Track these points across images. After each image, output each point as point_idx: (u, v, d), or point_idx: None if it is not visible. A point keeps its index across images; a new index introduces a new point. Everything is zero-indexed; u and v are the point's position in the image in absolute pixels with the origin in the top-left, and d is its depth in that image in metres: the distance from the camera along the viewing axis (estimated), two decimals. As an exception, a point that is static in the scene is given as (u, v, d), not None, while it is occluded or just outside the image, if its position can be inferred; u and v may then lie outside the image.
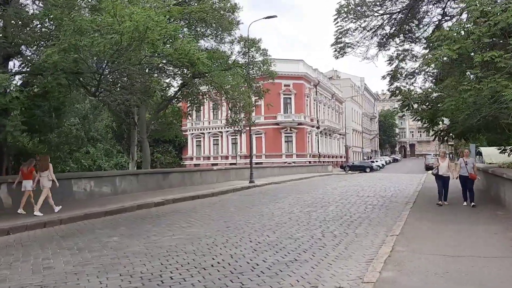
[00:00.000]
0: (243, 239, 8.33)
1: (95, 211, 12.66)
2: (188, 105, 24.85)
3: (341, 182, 27.00)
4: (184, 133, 58.24)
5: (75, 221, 11.37)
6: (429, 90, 13.03)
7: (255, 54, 22.56)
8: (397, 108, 15.37)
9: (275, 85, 50.78)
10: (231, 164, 49.06)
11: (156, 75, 12.49)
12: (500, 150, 17.25)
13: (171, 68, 14.06)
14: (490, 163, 36.23)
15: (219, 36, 20.48)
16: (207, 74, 18.24)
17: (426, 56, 11.44)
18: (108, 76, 11.92)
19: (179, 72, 15.63)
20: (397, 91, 14.84)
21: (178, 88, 21.54)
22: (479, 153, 46.78)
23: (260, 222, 10.44)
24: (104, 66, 10.64)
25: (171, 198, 16.35)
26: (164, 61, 11.33)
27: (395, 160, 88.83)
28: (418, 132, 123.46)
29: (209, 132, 55.70)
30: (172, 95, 22.06)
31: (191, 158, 58.05)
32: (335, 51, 14.97)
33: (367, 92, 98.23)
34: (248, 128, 26.91)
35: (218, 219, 11.10)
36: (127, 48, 10.95)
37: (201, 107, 53.98)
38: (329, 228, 9.65)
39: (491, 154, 42.98)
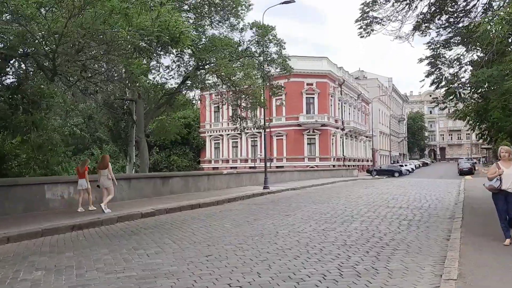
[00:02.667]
0: (218, 281, 5.60)
1: (60, 225, 10.24)
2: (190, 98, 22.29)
3: (368, 188, 23.92)
4: (202, 135, 56.06)
5: (23, 240, 8.91)
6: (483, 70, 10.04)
7: (268, 43, 19.81)
8: (437, 99, 12.38)
9: (297, 84, 48.16)
10: (250, 167, 46.53)
11: (136, 57, 10.08)
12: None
13: (159, 48, 11.64)
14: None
15: (227, 21, 17.84)
16: (212, 64, 15.72)
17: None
18: (73, 57, 9.49)
19: (162, 52, 13.15)
20: (440, 77, 11.91)
21: (181, 81, 19.04)
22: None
23: (255, 248, 7.68)
24: (57, 40, 8.23)
25: (164, 208, 13.84)
26: (143, 39, 8.84)
27: (425, 164, 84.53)
28: (449, 135, 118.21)
29: (228, 134, 53.20)
30: (175, 88, 19.53)
31: (209, 161, 55.70)
32: (360, 27, 12.08)
33: (395, 93, 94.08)
34: (262, 129, 23.95)
35: (202, 241, 8.41)
36: (92, 20, 8.46)
37: (219, 108, 52.06)
38: (351, 259, 6.82)
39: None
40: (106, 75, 11.79)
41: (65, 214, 11.84)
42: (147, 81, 20.52)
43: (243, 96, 18.74)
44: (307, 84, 48.58)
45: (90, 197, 12.89)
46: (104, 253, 7.43)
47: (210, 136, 55.54)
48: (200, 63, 17.67)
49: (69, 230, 10.19)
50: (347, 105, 57.65)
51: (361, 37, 12.47)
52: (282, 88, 22.00)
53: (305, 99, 48.86)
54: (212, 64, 16.22)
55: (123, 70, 11.85)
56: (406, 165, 59.36)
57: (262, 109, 23.95)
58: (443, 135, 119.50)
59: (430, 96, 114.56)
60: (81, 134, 29.19)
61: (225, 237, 8.80)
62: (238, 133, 51.48)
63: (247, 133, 49.02)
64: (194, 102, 22.17)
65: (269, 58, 20.24)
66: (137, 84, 11.98)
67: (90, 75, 11.12)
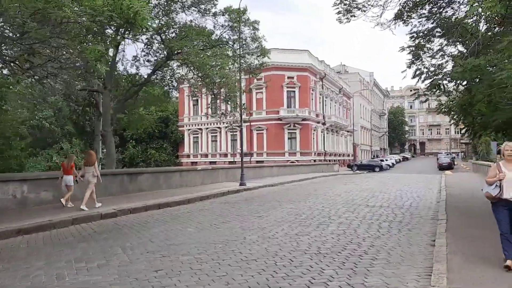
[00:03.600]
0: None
1: (4, 230, 9.11)
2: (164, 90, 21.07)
3: (348, 185, 23.16)
4: (180, 128, 54.72)
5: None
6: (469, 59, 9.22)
7: (243, 27, 18.70)
8: (418, 91, 11.53)
9: (278, 77, 47.21)
10: (230, 162, 45.52)
11: (90, 42, 8.96)
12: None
13: (116, 32, 10.49)
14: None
15: (200, 5, 16.64)
16: (180, 52, 14.62)
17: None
18: (16, 40, 8.31)
19: (119, 36, 12.01)
20: (421, 68, 11.09)
21: (151, 71, 17.84)
22: (500, 152, 42.76)
23: (216, 259, 6.71)
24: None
25: (128, 208, 12.78)
26: (94, 20, 7.73)
27: (405, 159, 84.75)
28: (429, 129, 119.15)
29: (207, 128, 52.01)
30: (144, 79, 18.29)
31: (188, 156, 54.45)
32: (339, 13, 11.15)
33: (376, 88, 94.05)
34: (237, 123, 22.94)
35: (157, 250, 7.38)
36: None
37: (198, 101, 50.80)
38: (324, 272, 5.92)
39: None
40: (59, 62, 10.57)
41: (15, 216, 10.67)
42: (116, 72, 19.34)
43: (216, 87, 17.64)
44: (288, 78, 47.68)
45: (70, 194, 12.54)
46: (37, 266, 6.36)
47: (189, 130, 54.25)
48: (170, 52, 16.52)
49: (14, 235, 9.10)
50: (328, 99, 56.99)
51: (340, 22, 11.53)
52: (262, 66, 20.85)
53: (285, 92, 47.96)
54: (179, 50, 15.09)
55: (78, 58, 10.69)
56: (386, 160, 59.13)
57: (240, 101, 22.86)
58: (423, 129, 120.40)
59: (411, 91, 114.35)
60: (50, 128, 27.69)
61: (184, 244, 7.80)
62: (217, 127, 50.47)
63: (227, 127, 47.99)
64: (169, 94, 20.81)
65: (243, 44, 19.14)
66: (94, 72, 10.81)
67: (41, 62, 9.91)
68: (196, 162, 51.78)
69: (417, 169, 53.74)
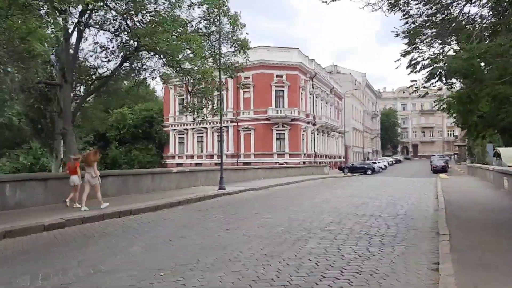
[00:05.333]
0: None
1: None
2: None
3: (337, 190, 21.49)
4: (165, 129, 52.77)
5: None
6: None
7: (222, 18, 16.92)
8: (416, 82, 9.86)
9: (266, 75, 45.51)
10: (216, 164, 43.67)
11: (15, 15, 7.28)
12: None
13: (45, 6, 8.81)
14: (510, 166, 30.88)
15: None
16: (150, 40, 12.87)
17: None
18: None
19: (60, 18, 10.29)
20: (417, 57, 9.45)
21: (118, 63, 16.02)
22: (496, 155, 41.34)
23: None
24: None
25: (80, 217, 11.02)
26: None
27: (397, 161, 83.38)
28: (422, 131, 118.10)
29: (193, 128, 50.05)
30: (111, 71, 16.42)
31: (173, 157, 52.48)
32: (323, -11, 9.52)
33: (368, 89, 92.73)
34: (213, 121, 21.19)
35: (77, 281, 5.62)
36: None
37: (184, 100, 48.91)
38: (289, 322, 4.20)
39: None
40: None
41: None
42: (79, 64, 17.49)
43: (191, 78, 15.85)
44: (277, 76, 45.94)
45: (77, 194, 12.47)
46: None
47: (174, 130, 52.23)
48: (139, 42, 14.74)
49: None
50: (319, 99, 55.36)
51: (324, 2, 9.86)
52: (242, 65, 19.10)
53: (274, 92, 46.19)
54: (149, 40, 13.30)
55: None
56: (379, 162, 57.68)
57: (221, 98, 21.10)
58: (415, 132, 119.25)
59: (403, 92, 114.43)
60: (20, 126, 25.68)
61: (116, 272, 6.01)
62: (203, 127, 48.59)
63: (213, 127, 46.22)
64: (138, 90, 18.98)
65: (224, 37, 17.39)
66: (35, 57, 9.02)
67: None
68: (182, 163, 49.91)
69: (411, 172, 52.35)
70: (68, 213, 11.36)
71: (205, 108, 19.82)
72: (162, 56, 15.08)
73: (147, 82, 22.74)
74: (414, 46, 11.57)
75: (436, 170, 49.65)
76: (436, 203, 14.87)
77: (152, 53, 15.30)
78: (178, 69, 15.62)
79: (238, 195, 18.67)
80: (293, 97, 46.66)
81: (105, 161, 44.65)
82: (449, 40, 11.55)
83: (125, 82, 17.76)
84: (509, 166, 29.37)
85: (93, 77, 16.81)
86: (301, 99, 48.66)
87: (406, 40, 11.64)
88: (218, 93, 20.00)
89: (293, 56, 46.70)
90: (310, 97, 51.60)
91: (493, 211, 11.94)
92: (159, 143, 52.96)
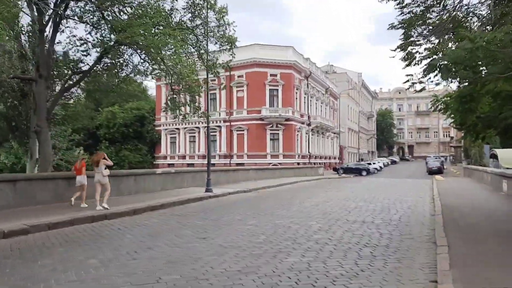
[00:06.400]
0: None
1: None
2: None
3: (329, 192, 20.61)
4: (157, 128, 51.70)
5: None
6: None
7: (206, 10, 15.97)
8: (412, 76, 8.98)
9: (260, 74, 44.59)
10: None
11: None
12: None
13: None
14: (508, 168, 30.12)
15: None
16: (126, 31, 11.95)
17: None
18: None
19: None
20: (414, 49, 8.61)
21: (97, 57, 15.06)
22: (493, 156, 40.60)
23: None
24: None
25: (47, 222, 10.12)
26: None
27: (393, 162, 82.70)
28: (417, 132, 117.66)
29: (185, 128, 49.08)
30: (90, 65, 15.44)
31: (165, 157, 51.47)
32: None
33: (364, 89, 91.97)
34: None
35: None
36: None
37: (176, 99, 47.97)
38: None
39: (510, 157, 36.89)
40: None
41: None
42: (60, 56, 16.57)
43: (173, 74, 14.91)
44: (271, 75, 45.03)
45: (84, 194, 12.80)
46: None
47: (166, 129, 51.13)
48: (120, 36, 13.79)
49: None
50: (314, 99, 54.50)
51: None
52: (229, 62, 18.19)
53: (268, 91, 45.26)
54: (125, 34, 12.36)
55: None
56: (374, 163, 56.90)
57: (207, 97, 20.23)
58: (411, 132, 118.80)
59: (400, 93, 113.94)
60: (1, 124, 24.61)
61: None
62: (195, 127, 47.67)
63: (206, 126, 45.19)
64: (118, 87, 17.98)
65: (210, 33, 16.47)
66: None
67: None
68: (174, 164, 48.96)
69: (406, 173, 51.62)
70: (39, 216, 10.49)
71: (188, 107, 18.95)
72: (139, 51, 14.15)
73: (134, 79, 21.84)
74: (410, 39, 10.77)
75: (431, 172, 48.96)
76: (433, 207, 14.03)
77: (131, 48, 14.35)
78: (161, 65, 14.69)
79: (225, 197, 17.80)
80: (287, 97, 45.77)
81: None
82: (445, 36, 10.73)
83: (105, 78, 16.78)
84: (507, 168, 28.62)
85: (70, 72, 15.82)
86: (296, 98, 47.78)
87: (403, 37, 10.85)
88: (203, 90, 19.01)
89: (287, 55, 45.82)
90: (305, 97, 50.73)
91: (495, 217, 11.09)
92: (150, 143, 51.93)
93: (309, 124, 51.16)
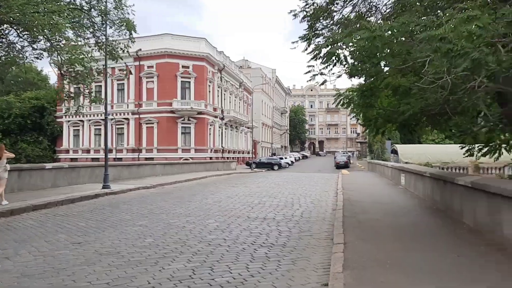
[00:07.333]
0: None
1: None
2: None
3: (236, 187, 20.09)
4: (59, 120, 47.71)
5: None
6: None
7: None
8: (314, 68, 8.52)
9: (171, 65, 43.01)
10: (114, 159, 40.42)
11: None
12: (465, 150, 11.28)
13: None
14: (406, 162, 32.01)
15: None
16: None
17: None
18: None
19: None
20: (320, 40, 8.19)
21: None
22: (394, 151, 43.11)
23: None
24: None
25: None
26: None
27: (304, 157, 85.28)
28: (327, 128, 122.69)
29: (90, 120, 45.89)
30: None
31: (67, 151, 47.75)
32: None
33: (278, 85, 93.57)
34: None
35: None
36: None
37: (81, 88, 44.66)
38: None
39: (408, 152, 39.38)
40: None
41: None
42: None
43: (60, 58, 13.29)
44: (183, 67, 43.60)
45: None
46: None
47: (69, 121, 47.31)
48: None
49: None
50: (227, 92, 53.96)
51: None
52: (126, 49, 16.85)
53: (180, 83, 43.79)
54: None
55: None
56: (286, 158, 57.90)
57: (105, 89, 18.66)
58: (322, 128, 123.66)
59: (312, 90, 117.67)
60: None
61: None
62: (101, 119, 44.68)
63: (113, 119, 42.70)
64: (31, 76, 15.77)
65: (105, 15, 14.97)
66: None
67: None
68: (77, 158, 45.68)
69: (316, 167, 53.11)
70: None
71: (83, 97, 17.32)
72: (16, 28, 12.36)
73: (24, 63, 19.46)
74: (315, 31, 10.41)
75: (339, 166, 51.04)
76: (336, 201, 14.01)
77: (9, 25, 12.48)
78: (46, 47, 12.98)
79: (124, 194, 16.45)
80: (200, 89, 44.68)
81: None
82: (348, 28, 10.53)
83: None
84: (406, 163, 30.35)
85: None
86: (209, 91, 46.85)
87: (308, 28, 10.45)
88: (101, 78, 17.49)
89: (200, 46, 44.67)
90: (218, 90, 49.97)
91: (394, 212, 11.18)
92: (51, 136, 47.85)
93: (222, 118, 50.54)
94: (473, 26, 5.20)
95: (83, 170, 19.73)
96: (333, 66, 7.83)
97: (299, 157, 75.97)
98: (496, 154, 10.31)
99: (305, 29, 10.58)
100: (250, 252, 6.91)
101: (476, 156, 11.27)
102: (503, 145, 10.27)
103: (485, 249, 6.52)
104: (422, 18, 7.00)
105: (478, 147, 11.01)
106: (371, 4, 11.00)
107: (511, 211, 6.30)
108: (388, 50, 7.70)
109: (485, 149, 10.48)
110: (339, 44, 7.53)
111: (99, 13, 14.90)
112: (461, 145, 11.61)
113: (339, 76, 8.91)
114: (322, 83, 9.35)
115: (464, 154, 11.45)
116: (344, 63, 7.72)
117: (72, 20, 12.50)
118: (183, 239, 7.78)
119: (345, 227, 8.68)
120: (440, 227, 8.71)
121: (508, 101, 8.91)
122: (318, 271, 5.93)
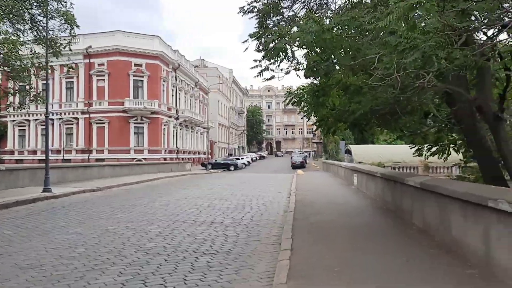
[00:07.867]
0: None
1: None
2: None
3: (188, 189, 19.43)
4: (3, 119, 45.03)
5: None
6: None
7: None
8: (260, 63, 8.10)
9: (123, 63, 41.61)
10: (63, 160, 38.58)
11: None
12: (415, 150, 11.25)
13: None
14: (359, 162, 32.43)
15: None
16: None
17: None
18: None
19: None
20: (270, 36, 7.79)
21: None
22: (348, 152, 43.72)
23: None
24: None
25: None
26: None
27: (261, 157, 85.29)
28: (284, 129, 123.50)
29: (36, 120, 43.61)
30: None
31: (12, 152, 45.19)
32: None
33: (235, 85, 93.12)
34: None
35: None
36: None
37: (26, 86, 42.35)
38: None
39: (361, 152, 39.99)
40: None
41: None
42: None
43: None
44: (135, 65, 42.25)
45: None
46: None
47: (14, 121, 44.73)
48: None
49: None
50: (182, 92, 52.89)
51: None
52: (70, 44, 15.92)
53: (132, 81, 42.40)
54: None
55: None
56: (242, 158, 57.56)
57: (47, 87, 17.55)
58: (279, 129, 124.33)
59: (269, 91, 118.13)
60: None
61: None
62: (49, 119, 42.60)
63: (61, 118, 40.78)
64: None
65: (43, 6, 13.97)
66: None
67: None
68: (22, 159, 43.29)
69: (273, 168, 53.05)
70: None
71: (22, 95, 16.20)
72: None
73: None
74: (264, 28, 9.98)
75: (295, 166, 51.23)
76: (288, 203, 13.69)
77: None
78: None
79: (66, 198, 15.43)
80: (153, 89, 43.47)
81: None
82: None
83: None
84: (359, 163, 30.70)
85: None
86: (163, 91, 45.69)
87: (257, 26, 10.04)
88: (42, 75, 16.45)
89: (154, 44, 43.45)
90: (172, 90, 48.85)
91: (346, 213, 10.95)
92: (-5, 136, 45.17)
93: (177, 118, 49.45)
94: (416, 14, 4.91)
95: (23, 172, 18.44)
96: (280, 62, 7.45)
97: (256, 158, 75.85)
98: (445, 155, 10.31)
99: (255, 27, 10.18)
100: (191, 261, 6.38)
101: (425, 156, 11.28)
102: (451, 145, 10.28)
103: (435, 251, 6.31)
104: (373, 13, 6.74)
105: (427, 147, 11.01)
106: (322, 2, 10.76)
107: (459, 213, 6.13)
108: (340, 45, 7.39)
109: (434, 149, 10.45)
110: (285, 38, 7.13)
111: (36, 2, 13.86)
112: (411, 145, 11.59)
113: (287, 73, 8.57)
114: (270, 79, 8.95)
115: (413, 154, 11.43)
116: (292, 59, 7.34)
117: (7, 11, 11.46)
118: (118, 248, 7.14)
119: (295, 231, 8.30)
120: (391, 228, 8.55)
121: (456, 100, 8.86)
122: (262, 280, 5.49)
